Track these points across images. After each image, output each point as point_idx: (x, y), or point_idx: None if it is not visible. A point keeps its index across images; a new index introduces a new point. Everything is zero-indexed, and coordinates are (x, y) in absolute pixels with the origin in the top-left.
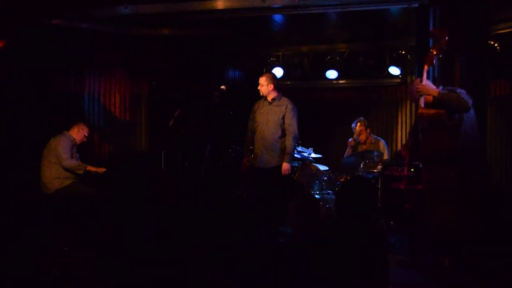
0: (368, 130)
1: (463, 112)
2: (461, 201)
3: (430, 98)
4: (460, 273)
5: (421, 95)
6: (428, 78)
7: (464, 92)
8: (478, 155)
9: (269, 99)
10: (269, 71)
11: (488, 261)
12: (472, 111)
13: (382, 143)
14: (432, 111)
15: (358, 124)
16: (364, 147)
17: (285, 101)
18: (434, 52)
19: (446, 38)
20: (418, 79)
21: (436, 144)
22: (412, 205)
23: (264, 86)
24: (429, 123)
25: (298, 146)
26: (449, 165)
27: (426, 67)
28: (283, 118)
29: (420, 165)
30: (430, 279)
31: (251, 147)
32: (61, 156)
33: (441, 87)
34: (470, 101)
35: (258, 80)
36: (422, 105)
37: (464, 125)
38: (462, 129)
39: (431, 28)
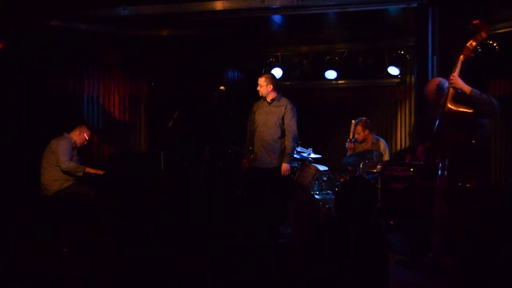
0: (367, 131)
1: (491, 116)
2: (474, 202)
3: (453, 92)
4: (460, 272)
5: (453, 87)
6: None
7: (495, 100)
8: (489, 159)
9: (269, 99)
10: (268, 71)
11: (489, 261)
12: None
13: (383, 144)
14: (461, 108)
15: (357, 123)
16: (365, 146)
17: (284, 101)
18: (474, 44)
19: (489, 30)
20: (452, 75)
21: (461, 142)
22: (419, 201)
23: (264, 86)
24: (456, 121)
25: (298, 147)
26: (474, 167)
27: (462, 58)
28: (283, 118)
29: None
30: (430, 278)
31: (250, 148)
32: (60, 158)
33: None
34: (498, 107)
35: (257, 81)
36: (451, 100)
37: (484, 128)
38: (480, 131)
39: (429, 27)
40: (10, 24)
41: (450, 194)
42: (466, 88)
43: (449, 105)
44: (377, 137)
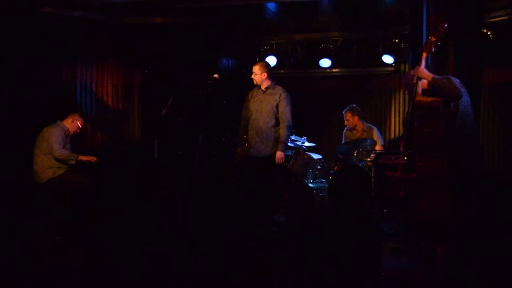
0: (356, 118)
1: (454, 99)
2: (453, 189)
3: (426, 84)
4: (452, 260)
5: (417, 78)
6: (426, 66)
7: (457, 80)
8: (474, 144)
9: (263, 87)
10: (262, 60)
11: (480, 248)
12: (468, 100)
13: (375, 132)
14: (429, 99)
15: (346, 110)
16: (357, 134)
17: (278, 89)
18: (433, 39)
19: (445, 25)
20: (417, 67)
21: (431, 131)
22: (406, 192)
23: (258, 75)
24: (425, 111)
25: (292, 135)
26: (443, 153)
27: (424, 55)
28: (277, 106)
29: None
30: (422, 266)
31: (244, 136)
32: (53, 146)
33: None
34: (462, 89)
35: (251, 69)
36: (420, 93)
37: (460, 114)
38: (458, 117)
39: (424, 16)
40: (0, 10)
41: (422, 182)
42: (428, 76)
43: (418, 97)
44: (369, 124)
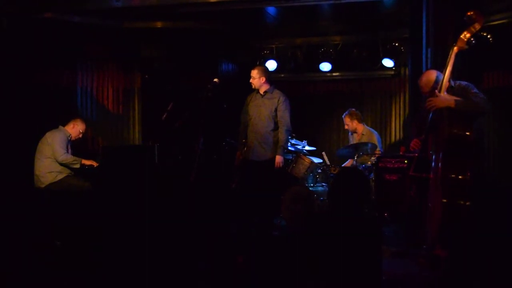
0: (355, 122)
1: (484, 114)
2: (468, 194)
3: (447, 85)
4: (455, 264)
5: (433, 109)
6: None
7: (481, 93)
8: (484, 151)
9: (261, 92)
10: (260, 64)
11: (483, 252)
12: None
13: (374, 137)
14: None
15: (345, 115)
16: (357, 137)
17: (277, 93)
18: (468, 35)
19: (483, 22)
20: (436, 91)
21: (457, 136)
22: (415, 193)
23: (256, 79)
24: (449, 114)
25: (292, 139)
26: (467, 159)
27: (455, 49)
28: (276, 110)
29: (432, 155)
30: (424, 270)
31: (244, 140)
32: (58, 151)
33: (452, 82)
34: (487, 103)
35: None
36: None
37: (476, 121)
38: (475, 124)
39: (424, 19)
40: (2, 16)
41: (443, 186)
42: (450, 103)
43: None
44: (370, 128)
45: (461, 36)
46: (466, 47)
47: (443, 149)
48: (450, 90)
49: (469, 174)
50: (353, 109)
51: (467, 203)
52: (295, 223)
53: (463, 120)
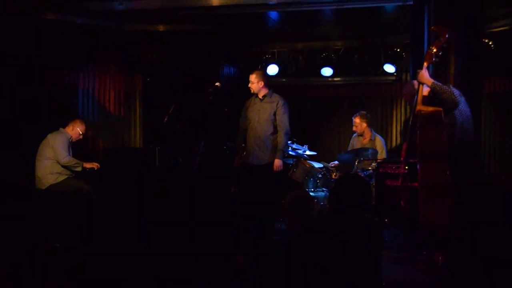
0: (364, 124)
1: (451, 107)
2: (455, 197)
3: (427, 91)
4: (453, 269)
5: (419, 81)
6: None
7: (457, 91)
8: (474, 151)
9: (260, 96)
10: (259, 68)
11: (481, 256)
12: (467, 109)
13: (379, 141)
14: (430, 108)
15: (355, 115)
16: (364, 141)
17: (276, 97)
18: (434, 50)
19: (447, 35)
20: (418, 70)
21: (434, 141)
22: (407, 201)
23: (255, 83)
24: (427, 120)
25: (293, 143)
26: (446, 161)
27: (425, 64)
28: (275, 114)
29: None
30: (423, 275)
31: (243, 144)
32: (60, 153)
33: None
34: (461, 99)
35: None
36: (421, 102)
37: (460, 123)
38: (458, 125)
39: (425, 25)
40: (4, 16)
41: (423, 190)
42: (428, 80)
43: (419, 107)
44: (377, 135)
45: (428, 51)
46: (435, 60)
47: (421, 155)
48: (426, 99)
49: (450, 176)
50: (364, 112)
51: (453, 205)
52: (295, 227)
53: (439, 125)
